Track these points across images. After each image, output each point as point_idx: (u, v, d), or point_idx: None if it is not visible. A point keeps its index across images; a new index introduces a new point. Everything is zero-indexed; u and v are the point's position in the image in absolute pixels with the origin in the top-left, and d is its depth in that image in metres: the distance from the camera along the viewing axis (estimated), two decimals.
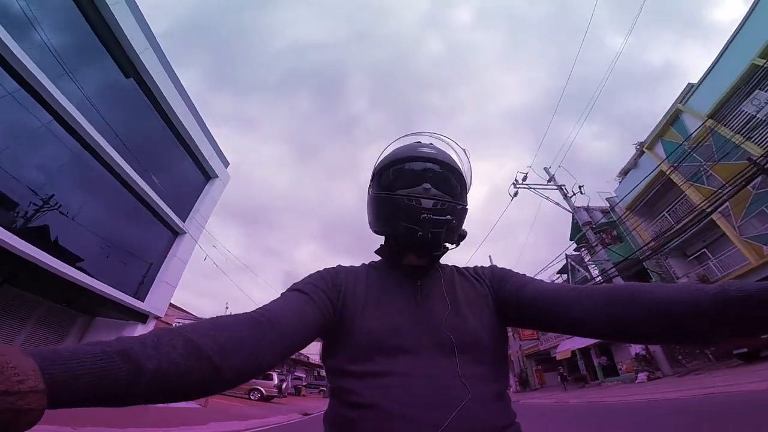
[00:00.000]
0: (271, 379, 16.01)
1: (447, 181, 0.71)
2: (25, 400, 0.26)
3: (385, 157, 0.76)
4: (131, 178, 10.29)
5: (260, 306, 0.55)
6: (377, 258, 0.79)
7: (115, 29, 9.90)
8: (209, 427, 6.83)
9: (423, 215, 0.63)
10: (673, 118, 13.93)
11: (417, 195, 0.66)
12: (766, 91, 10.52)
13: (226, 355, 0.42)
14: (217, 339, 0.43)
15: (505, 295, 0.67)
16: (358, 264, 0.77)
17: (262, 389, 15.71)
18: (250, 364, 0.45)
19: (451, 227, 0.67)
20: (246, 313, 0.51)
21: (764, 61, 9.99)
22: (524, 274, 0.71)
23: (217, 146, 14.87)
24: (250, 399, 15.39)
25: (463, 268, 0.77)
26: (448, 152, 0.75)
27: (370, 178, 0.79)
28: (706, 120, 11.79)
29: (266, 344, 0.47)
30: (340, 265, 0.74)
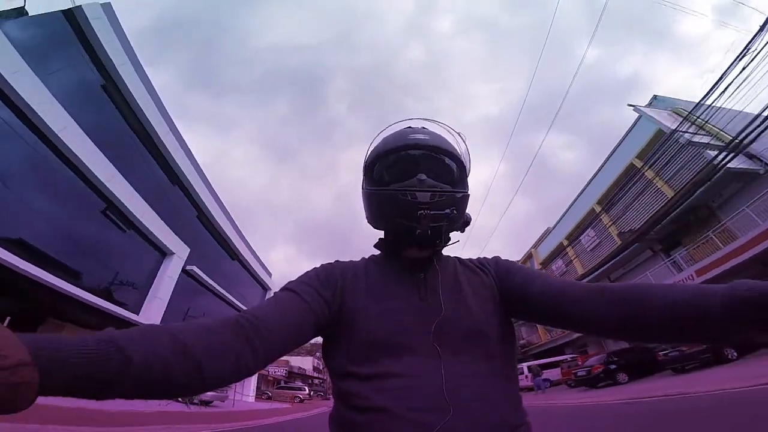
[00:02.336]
0: (304, 390, 28.12)
1: (444, 167, 0.67)
2: (17, 374, 0.26)
3: (375, 148, 0.71)
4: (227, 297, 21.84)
5: (248, 308, 0.54)
6: (377, 252, 0.75)
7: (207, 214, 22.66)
8: (296, 415, 13.74)
9: (420, 211, 0.60)
10: (528, 256, 25.50)
11: (411, 188, 0.62)
12: (571, 248, 22.15)
13: (211, 357, 0.42)
14: (203, 340, 0.43)
15: (511, 288, 0.65)
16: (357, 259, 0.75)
17: (300, 396, 27.72)
18: (233, 368, 0.45)
19: (452, 218, 0.63)
20: (230, 316, 0.49)
21: (571, 238, 21.23)
22: (531, 268, 0.69)
23: (265, 266, 25.76)
24: (294, 402, 27.05)
25: (467, 259, 0.75)
26: (442, 135, 0.71)
27: (362, 172, 0.74)
28: (540, 268, 23.60)
29: (249, 350, 0.47)
30: (338, 261, 0.71)
